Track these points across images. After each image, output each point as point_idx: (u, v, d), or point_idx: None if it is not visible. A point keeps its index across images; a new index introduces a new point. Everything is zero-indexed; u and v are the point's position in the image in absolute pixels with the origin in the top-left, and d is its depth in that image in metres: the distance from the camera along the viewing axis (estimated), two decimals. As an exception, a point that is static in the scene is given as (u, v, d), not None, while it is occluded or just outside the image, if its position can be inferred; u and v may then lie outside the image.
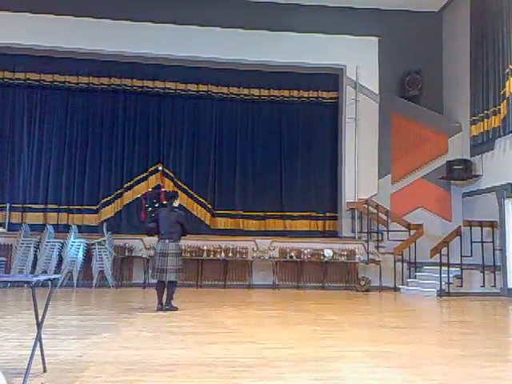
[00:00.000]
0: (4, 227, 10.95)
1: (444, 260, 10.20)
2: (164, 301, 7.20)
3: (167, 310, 7.07)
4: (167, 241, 7.24)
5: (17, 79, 11.99)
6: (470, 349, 4.90)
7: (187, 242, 10.67)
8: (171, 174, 12.34)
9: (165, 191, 7.75)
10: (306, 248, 11.41)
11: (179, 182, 12.32)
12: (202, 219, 12.25)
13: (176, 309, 7.14)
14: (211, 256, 11.12)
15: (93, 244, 10.60)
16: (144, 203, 7.66)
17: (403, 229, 11.43)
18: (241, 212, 12.37)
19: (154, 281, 7.59)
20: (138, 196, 7.83)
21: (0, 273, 9.95)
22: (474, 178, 11.55)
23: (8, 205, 11.47)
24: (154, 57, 12.05)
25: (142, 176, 12.14)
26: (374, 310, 8.52)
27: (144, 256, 10.83)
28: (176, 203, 7.56)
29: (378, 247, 11.51)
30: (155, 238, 7.63)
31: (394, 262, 11.08)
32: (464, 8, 12.00)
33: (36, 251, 10.42)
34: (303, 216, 12.47)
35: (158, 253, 7.26)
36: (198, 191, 12.36)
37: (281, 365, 4.02)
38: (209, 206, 12.35)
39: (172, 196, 7.76)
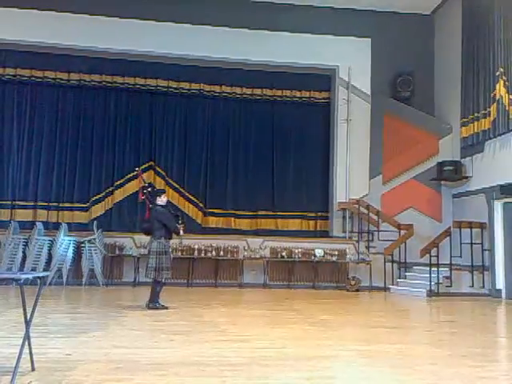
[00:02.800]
0: None
1: (434, 260, 10.28)
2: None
3: (149, 308, 7.03)
4: (151, 239, 7.31)
5: (7, 75, 11.86)
6: (459, 349, 4.94)
7: (182, 240, 10.61)
8: (163, 173, 12.30)
9: (143, 191, 7.72)
10: (297, 247, 11.44)
11: (171, 181, 12.28)
12: (194, 218, 12.21)
13: (162, 308, 7.07)
14: (202, 255, 11.09)
15: (83, 242, 10.52)
16: (148, 203, 7.62)
17: (393, 229, 11.50)
18: (232, 211, 12.36)
19: (144, 280, 7.57)
20: (143, 198, 7.88)
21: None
22: (464, 180, 11.64)
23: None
24: (146, 54, 11.98)
25: (133, 174, 12.05)
26: (364, 309, 8.55)
27: (134, 254, 10.77)
28: (160, 201, 7.44)
29: (368, 247, 11.57)
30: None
31: (384, 262, 11.14)
32: (456, 10, 12.09)
33: (25, 248, 10.33)
34: (295, 216, 12.49)
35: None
36: (190, 190, 12.33)
37: (271, 364, 4.02)
38: (200, 204, 12.32)
39: (155, 194, 7.68)
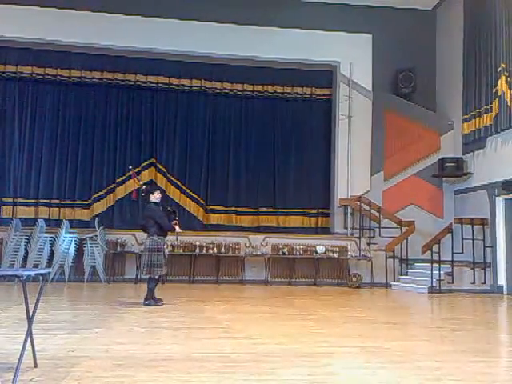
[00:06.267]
0: None
1: (435, 257, 10.28)
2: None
3: (145, 305, 7.05)
4: (146, 236, 7.35)
5: (8, 72, 11.85)
6: (460, 345, 4.94)
7: (180, 237, 10.62)
8: (164, 169, 12.30)
9: (138, 189, 7.81)
10: (298, 244, 11.45)
11: (172, 178, 12.28)
12: (195, 215, 12.22)
13: (157, 304, 7.08)
14: (204, 252, 11.10)
15: (84, 239, 10.55)
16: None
17: (395, 226, 11.50)
18: (234, 208, 12.37)
19: (146, 276, 7.57)
20: (136, 197, 8.01)
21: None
22: (466, 176, 11.62)
23: (-2, 199, 11.40)
24: (148, 51, 11.97)
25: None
26: (365, 306, 8.56)
27: (136, 251, 10.78)
28: (153, 198, 7.43)
29: (369, 244, 11.57)
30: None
31: (386, 258, 11.14)
32: (457, 6, 12.04)
33: (27, 246, 10.35)
34: (296, 212, 12.49)
35: None
36: (191, 187, 12.33)
37: (273, 360, 4.03)
38: (202, 201, 12.33)
39: (148, 191, 7.67)
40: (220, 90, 12.65)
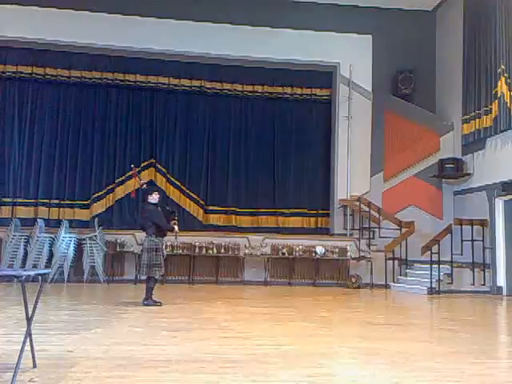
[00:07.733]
0: None
1: (435, 258, 10.27)
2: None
3: (144, 305, 7.06)
4: (144, 237, 7.36)
5: (8, 72, 11.85)
6: (459, 346, 4.94)
7: (179, 237, 10.61)
8: (164, 170, 12.30)
9: (138, 189, 7.85)
10: (298, 245, 11.44)
11: (172, 178, 12.29)
12: (195, 215, 12.23)
13: (155, 304, 7.09)
14: (203, 252, 11.10)
15: (84, 239, 10.54)
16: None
17: (395, 226, 11.49)
18: (233, 208, 12.37)
19: (145, 277, 7.58)
20: (134, 196, 8.06)
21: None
22: (466, 177, 11.63)
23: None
24: (147, 51, 11.97)
25: (130, 173, 12.02)
26: (364, 306, 8.56)
27: (136, 251, 10.77)
28: (151, 199, 7.45)
29: (369, 244, 11.56)
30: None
31: (385, 259, 11.13)
32: (457, 7, 12.05)
33: (26, 246, 10.35)
34: (296, 213, 12.49)
35: None
36: (191, 187, 12.33)
37: (272, 361, 4.02)
38: (201, 202, 12.33)
39: (146, 192, 7.68)
40: (220, 90, 12.65)
